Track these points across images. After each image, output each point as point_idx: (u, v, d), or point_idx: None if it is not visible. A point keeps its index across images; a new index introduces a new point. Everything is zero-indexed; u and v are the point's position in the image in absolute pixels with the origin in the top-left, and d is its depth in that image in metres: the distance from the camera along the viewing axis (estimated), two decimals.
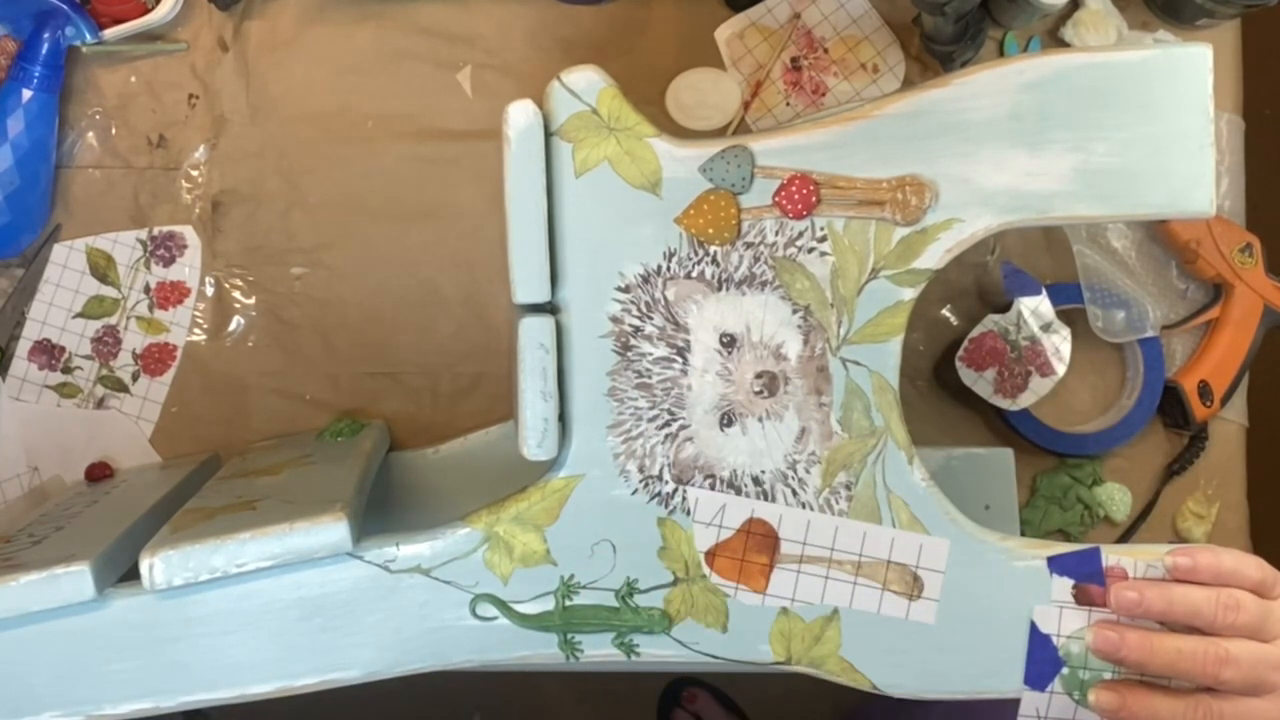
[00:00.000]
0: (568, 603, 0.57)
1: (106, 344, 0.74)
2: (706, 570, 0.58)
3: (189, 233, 0.74)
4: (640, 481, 0.57)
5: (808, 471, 0.57)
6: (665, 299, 0.57)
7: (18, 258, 0.74)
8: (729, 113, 0.75)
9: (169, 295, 0.74)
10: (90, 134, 0.74)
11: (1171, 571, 0.55)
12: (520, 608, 0.57)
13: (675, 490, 0.58)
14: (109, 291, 0.74)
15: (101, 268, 0.74)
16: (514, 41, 0.75)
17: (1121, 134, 0.56)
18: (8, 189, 0.69)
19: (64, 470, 0.74)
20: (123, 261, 0.74)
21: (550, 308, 0.57)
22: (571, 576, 0.57)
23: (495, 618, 0.57)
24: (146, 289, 0.74)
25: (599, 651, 0.58)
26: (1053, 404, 0.75)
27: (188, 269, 0.74)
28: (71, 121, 0.74)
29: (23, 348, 0.74)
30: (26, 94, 0.69)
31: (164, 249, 0.74)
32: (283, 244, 0.75)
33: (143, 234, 0.74)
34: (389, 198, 0.75)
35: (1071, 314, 0.74)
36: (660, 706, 1.35)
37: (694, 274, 0.57)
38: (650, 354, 0.57)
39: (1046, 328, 0.72)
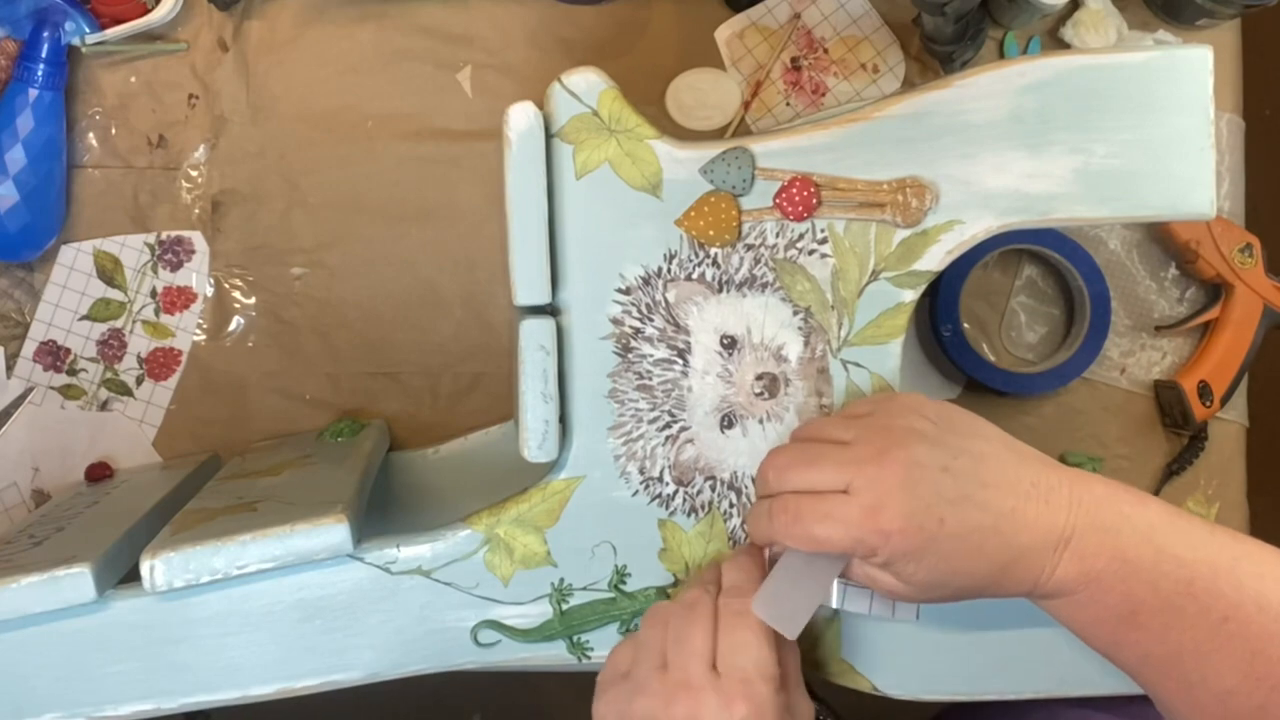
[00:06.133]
0: (564, 606, 0.57)
1: (112, 347, 0.74)
2: None
3: (197, 238, 0.74)
4: (641, 483, 0.58)
5: None
6: (666, 301, 0.57)
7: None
8: (729, 113, 0.75)
9: (175, 300, 0.74)
10: (90, 134, 0.74)
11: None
12: (520, 623, 0.57)
13: (676, 491, 0.58)
14: (116, 295, 0.74)
15: (109, 270, 0.74)
16: (514, 41, 0.75)
17: (1122, 136, 0.56)
18: (25, 189, 0.69)
19: (65, 472, 0.74)
20: (130, 265, 0.74)
21: (551, 309, 0.58)
22: (562, 581, 0.57)
23: (498, 641, 0.57)
24: (153, 293, 0.74)
25: (609, 650, 0.58)
26: (1004, 348, 0.78)
27: (195, 274, 0.74)
28: (71, 121, 0.74)
29: (29, 348, 0.74)
30: (33, 93, 0.69)
31: (171, 253, 0.74)
32: (283, 244, 0.75)
33: (150, 238, 0.74)
34: (389, 198, 0.75)
35: (1021, 256, 0.75)
36: None
37: (695, 276, 0.57)
38: (651, 356, 0.57)
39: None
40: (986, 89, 0.56)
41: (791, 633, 0.50)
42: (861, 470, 0.48)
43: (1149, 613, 0.48)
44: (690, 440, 0.58)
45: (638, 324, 0.57)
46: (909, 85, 0.76)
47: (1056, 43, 0.76)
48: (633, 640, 0.53)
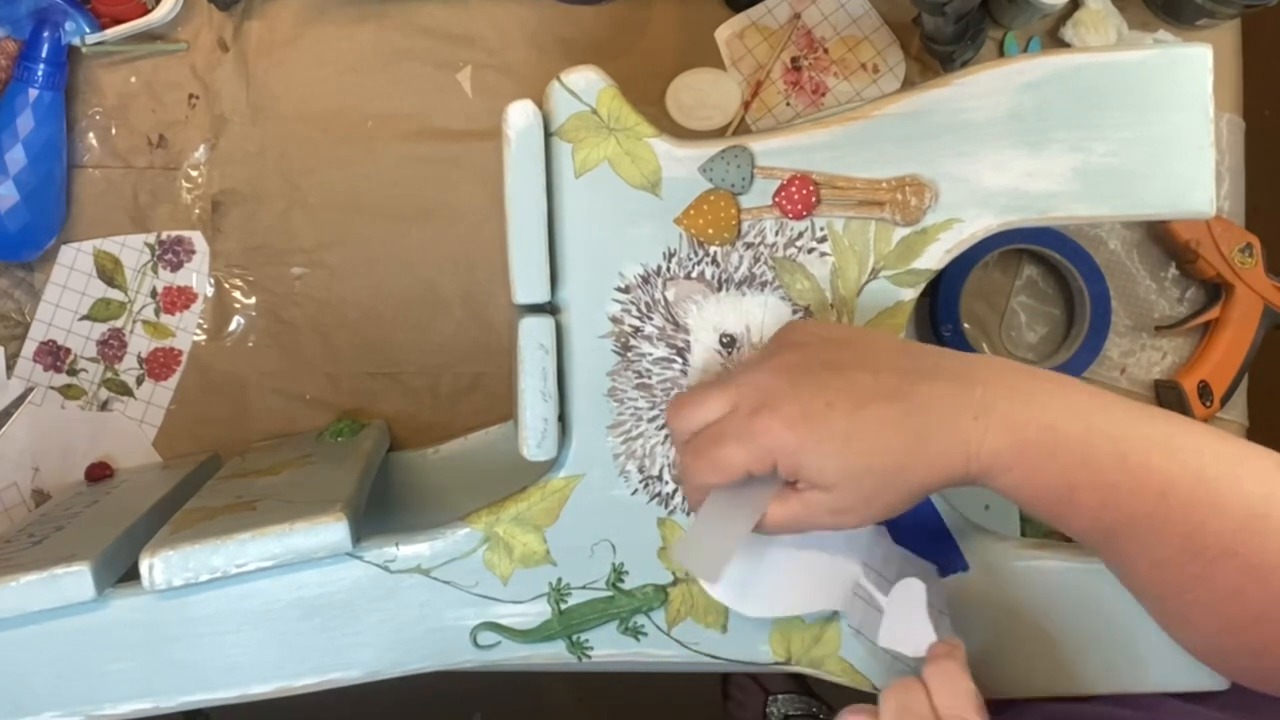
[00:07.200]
0: (563, 606, 0.57)
1: (112, 347, 0.74)
2: None
3: (197, 238, 0.74)
4: (640, 482, 0.57)
5: None
6: (665, 299, 0.57)
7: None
8: (729, 113, 0.75)
9: (175, 300, 0.74)
10: (90, 134, 0.74)
11: None
12: (519, 623, 0.57)
13: (675, 490, 0.58)
14: (116, 295, 0.74)
15: (109, 270, 0.74)
16: (514, 41, 0.75)
17: (1121, 134, 0.56)
18: (25, 189, 0.69)
19: (65, 471, 0.74)
20: (130, 265, 0.74)
21: (550, 308, 0.57)
22: (560, 580, 0.57)
23: (497, 643, 0.57)
24: (153, 293, 0.74)
25: (608, 649, 0.58)
26: (1004, 348, 0.78)
27: (195, 275, 0.74)
28: (71, 121, 0.74)
29: (29, 348, 0.74)
30: (33, 93, 0.69)
31: (171, 253, 0.74)
32: (283, 244, 0.75)
33: (150, 238, 0.74)
34: (389, 198, 0.75)
35: (1021, 256, 0.75)
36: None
37: (694, 274, 0.57)
38: (650, 354, 0.57)
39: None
40: (986, 87, 0.56)
41: (711, 575, 0.49)
42: (742, 383, 0.49)
43: (1086, 490, 0.47)
44: None
45: (637, 322, 0.57)
46: (909, 85, 0.76)
47: (1056, 42, 0.76)
48: None
